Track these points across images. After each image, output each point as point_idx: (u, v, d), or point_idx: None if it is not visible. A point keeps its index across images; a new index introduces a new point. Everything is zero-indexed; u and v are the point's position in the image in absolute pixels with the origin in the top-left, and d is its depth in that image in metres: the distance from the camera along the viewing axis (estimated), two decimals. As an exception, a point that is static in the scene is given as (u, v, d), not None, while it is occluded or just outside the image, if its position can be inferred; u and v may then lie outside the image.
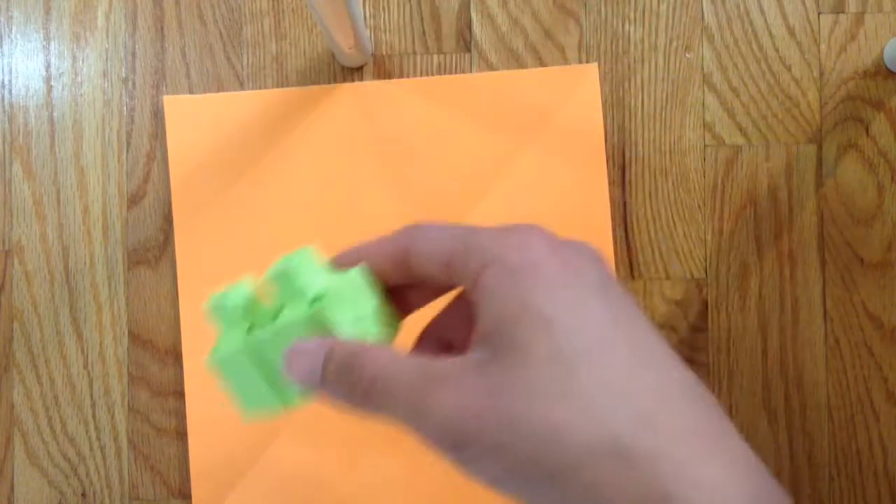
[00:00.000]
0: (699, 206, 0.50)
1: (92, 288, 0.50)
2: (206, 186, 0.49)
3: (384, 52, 0.50)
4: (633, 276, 0.49)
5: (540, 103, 0.49)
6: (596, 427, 0.18)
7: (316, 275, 0.23)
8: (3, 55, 0.51)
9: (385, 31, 0.51)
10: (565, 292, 0.20)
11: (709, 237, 0.50)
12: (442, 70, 0.50)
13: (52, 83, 0.51)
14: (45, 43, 0.51)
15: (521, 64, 0.50)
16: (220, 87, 0.50)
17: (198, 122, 0.50)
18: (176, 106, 0.50)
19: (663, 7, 0.50)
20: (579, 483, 0.18)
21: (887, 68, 0.50)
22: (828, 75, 0.50)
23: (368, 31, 0.51)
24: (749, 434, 0.49)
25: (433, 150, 0.49)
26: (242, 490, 0.48)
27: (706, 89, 0.50)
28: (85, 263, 0.50)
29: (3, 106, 0.51)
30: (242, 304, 0.24)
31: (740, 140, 0.50)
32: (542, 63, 0.50)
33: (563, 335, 0.19)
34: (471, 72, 0.50)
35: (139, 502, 0.49)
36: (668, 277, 0.49)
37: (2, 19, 0.51)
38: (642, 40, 0.50)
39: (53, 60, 0.51)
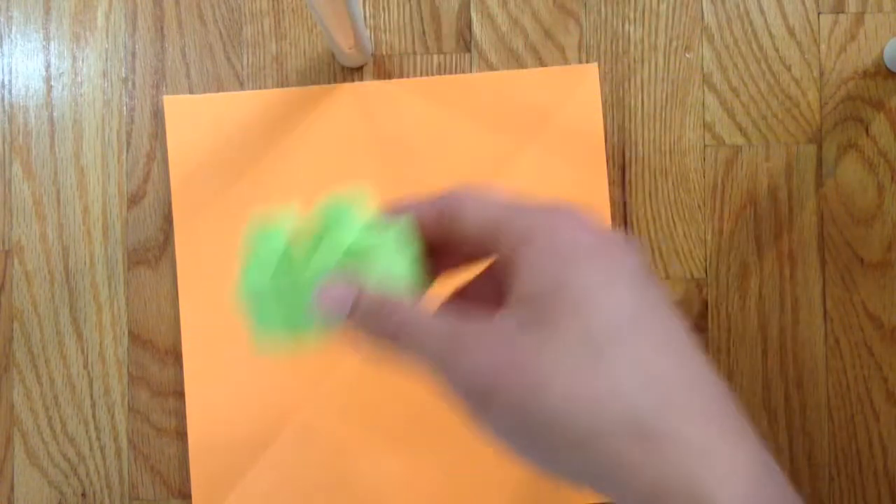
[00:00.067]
0: (699, 206, 0.50)
1: (92, 288, 0.50)
2: (206, 186, 0.49)
3: (384, 52, 0.50)
4: (633, 276, 0.49)
5: (540, 103, 0.49)
6: (619, 404, 0.19)
7: (356, 226, 0.24)
8: (3, 55, 0.51)
9: (385, 31, 0.51)
10: (601, 276, 0.21)
11: (709, 237, 0.50)
12: (442, 70, 0.50)
13: (52, 83, 0.51)
14: (44, 43, 0.51)
15: (521, 64, 0.50)
16: (220, 87, 0.50)
17: (198, 122, 0.50)
18: (176, 106, 0.50)
19: (663, 7, 0.50)
20: (601, 452, 0.19)
21: (887, 68, 0.50)
22: (828, 75, 0.50)
23: (368, 31, 0.51)
24: (749, 434, 0.49)
25: (433, 150, 0.49)
26: (242, 490, 0.48)
27: (706, 89, 0.50)
28: (85, 263, 0.50)
29: (3, 106, 0.51)
30: (280, 249, 0.25)
31: (740, 140, 0.50)
32: (542, 63, 0.50)
33: (595, 317, 0.20)
34: (471, 72, 0.50)
35: (139, 502, 0.49)
36: (668, 277, 0.49)
37: (2, 19, 0.51)
38: (642, 40, 0.50)
39: (53, 60, 0.51)
